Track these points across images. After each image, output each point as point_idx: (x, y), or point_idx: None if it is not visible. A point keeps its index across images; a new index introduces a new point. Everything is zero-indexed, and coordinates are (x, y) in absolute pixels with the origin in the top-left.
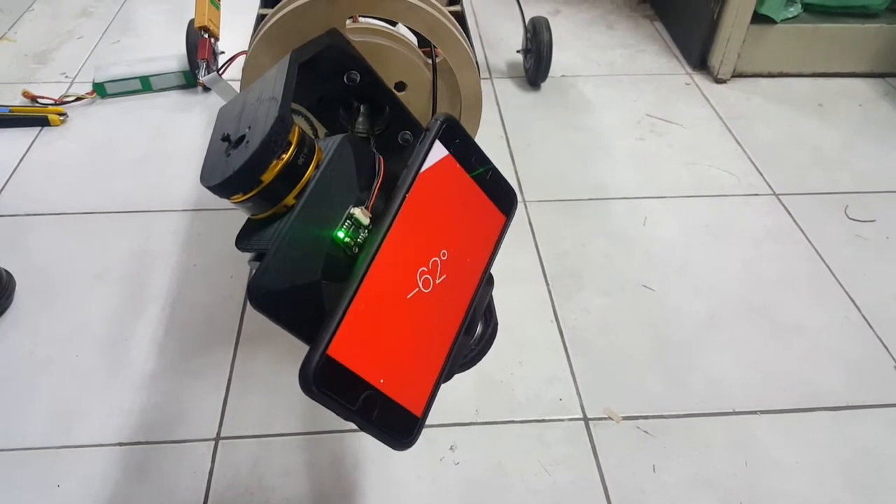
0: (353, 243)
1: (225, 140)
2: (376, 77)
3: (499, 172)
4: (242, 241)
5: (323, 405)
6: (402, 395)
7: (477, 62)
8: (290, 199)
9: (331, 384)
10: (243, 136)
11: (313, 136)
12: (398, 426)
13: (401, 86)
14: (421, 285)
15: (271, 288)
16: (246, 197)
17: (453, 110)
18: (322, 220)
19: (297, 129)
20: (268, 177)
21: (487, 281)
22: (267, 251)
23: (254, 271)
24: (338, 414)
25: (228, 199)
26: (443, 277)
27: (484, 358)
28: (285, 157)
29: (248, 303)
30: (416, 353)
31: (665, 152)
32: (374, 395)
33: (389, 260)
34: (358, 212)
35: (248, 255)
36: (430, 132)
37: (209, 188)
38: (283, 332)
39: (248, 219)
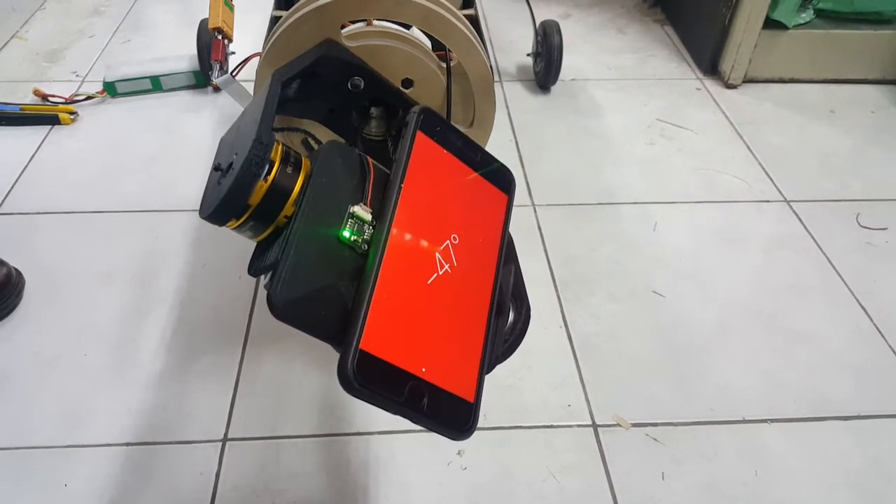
0: (360, 240)
1: (217, 170)
2: (379, 78)
3: (489, 154)
4: (254, 265)
5: (368, 402)
6: (448, 382)
7: (483, 45)
8: (288, 209)
9: (371, 379)
10: (231, 164)
11: (316, 147)
12: (453, 415)
13: (408, 82)
14: (439, 270)
15: (290, 297)
16: (240, 222)
17: (466, 98)
18: (325, 223)
19: (279, 146)
20: (255, 199)
21: (508, 259)
22: (279, 263)
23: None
24: (387, 409)
25: (224, 226)
26: (459, 260)
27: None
28: (270, 176)
29: (272, 314)
30: (451, 338)
31: (675, 157)
32: (419, 384)
33: (400, 249)
34: (358, 209)
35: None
36: (409, 125)
37: (205, 219)
38: (291, 334)
39: (257, 244)
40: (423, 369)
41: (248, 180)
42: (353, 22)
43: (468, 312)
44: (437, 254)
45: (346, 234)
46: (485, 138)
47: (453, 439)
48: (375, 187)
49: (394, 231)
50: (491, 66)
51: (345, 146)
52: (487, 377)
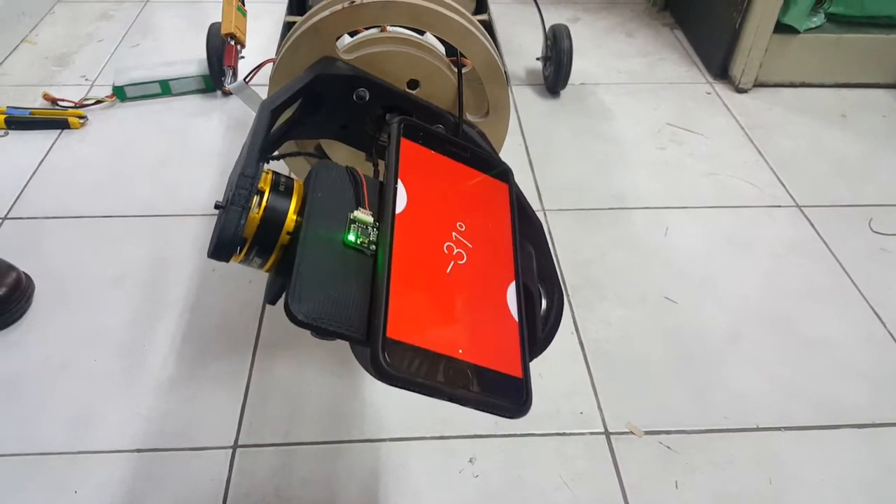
0: (366, 241)
1: (218, 207)
2: (383, 85)
3: (478, 150)
4: (269, 294)
5: (409, 389)
6: (489, 361)
7: (482, 32)
8: (290, 224)
9: (406, 365)
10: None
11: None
12: (503, 392)
13: (414, 83)
14: (456, 258)
15: (307, 304)
16: (242, 255)
17: (477, 89)
18: (329, 232)
19: (268, 175)
20: (249, 231)
21: (527, 243)
22: (291, 277)
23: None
24: (431, 395)
25: (230, 262)
26: (473, 247)
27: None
28: (261, 207)
29: (293, 324)
30: (483, 319)
31: (686, 162)
32: (459, 365)
33: (409, 242)
34: (358, 213)
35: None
36: (392, 134)
37: (210, 258)
38: (302, 340)
39: (269, 273)
40: (460, 350)
41: (235, 215)
42: (368, 28)
43: (495, 295)
44: (447, 243)
45: (352, 237)
46: (503, 125)
47: (510, 417)
48: (370, 193)
49: (398, 226)
50: (499, 54)
51: (331, 163)
52: None
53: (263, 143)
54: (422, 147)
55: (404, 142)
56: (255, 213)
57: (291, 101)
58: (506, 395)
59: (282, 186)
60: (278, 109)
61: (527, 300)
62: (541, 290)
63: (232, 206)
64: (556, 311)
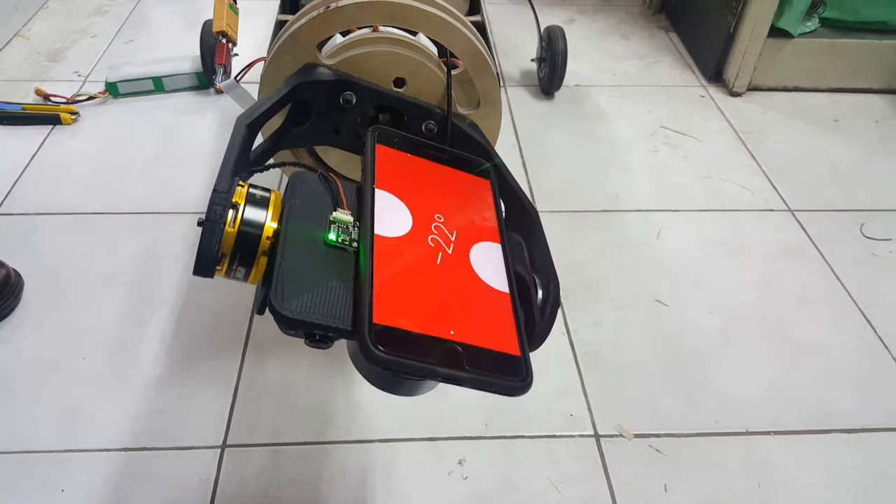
0: (348, 240)
1: (200, 224)
2: (367, 86)
3: (457, 151)
4: (256, 303)
5: (403, 373)
6: (484, 340)
7: (465, 24)
8: (269, 233)
9: (396, 349)
10: None
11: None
12: (501, 370)
13: (401, 81)
14: (441, 248)
15: (292, 304)
16: (224, 269)
17: (465, 81)
18: (309, 235)
19: (243, 189)
20: (227, 246)
21: (519, 234)
22: (274, 282)
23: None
24: (426, 376)
25: (215, 277)
26: (455, 237)
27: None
28: (237, 220)
29: (280, 329)
30: (476, 304)
31: (679, 165)
32: (452, 346)
33: (390, 235)
34: (338, 213)
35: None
36: (366, 144)
37: (195, 274)
38: (292, 340)
39: (257, 286)
40: (452, 332)
41: (209, 232)
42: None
43: (485, 282)
44: (430, 236)
45: (332, 236)
46: (496, 118)
47: (510, 395)
48: (347, 195)
49: (378, 221)
50: (486, 46)
51: (306, 172)
52: None
53: (238, 158)
54: (398, 151)
55: (380, 148)
56: (231, 228)
57: (270, 113)
58: (505, 373)
59: (258, 197)
60: (255, 123)
61: (520, 288)
62: (536, 280)
63: (207, 222)
64: (553, 302)
